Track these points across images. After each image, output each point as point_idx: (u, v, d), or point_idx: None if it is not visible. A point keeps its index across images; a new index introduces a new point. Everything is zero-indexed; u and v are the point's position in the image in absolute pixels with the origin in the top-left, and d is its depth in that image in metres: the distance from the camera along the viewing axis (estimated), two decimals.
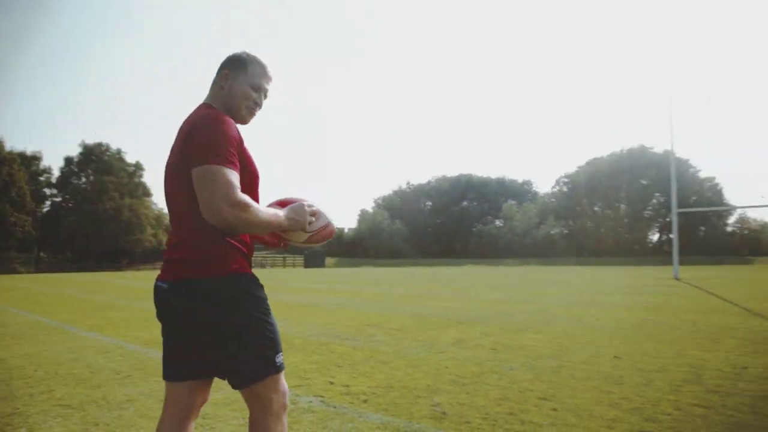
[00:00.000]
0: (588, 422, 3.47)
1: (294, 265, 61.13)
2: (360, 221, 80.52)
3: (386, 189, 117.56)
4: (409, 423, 3.52)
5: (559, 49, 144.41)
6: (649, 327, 7.80)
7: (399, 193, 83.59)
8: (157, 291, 1.90)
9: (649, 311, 9.88)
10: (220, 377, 1.93)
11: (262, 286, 1.94)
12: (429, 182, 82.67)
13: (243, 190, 1.77)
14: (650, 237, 68.26)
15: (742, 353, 5.79)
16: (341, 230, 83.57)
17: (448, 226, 75.55)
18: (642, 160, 64.15)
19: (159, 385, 4.56)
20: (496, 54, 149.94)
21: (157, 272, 2.12)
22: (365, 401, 4.06)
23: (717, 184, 64.41)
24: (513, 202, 72.36)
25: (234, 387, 1.89)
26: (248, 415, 1.94)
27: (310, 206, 2.07)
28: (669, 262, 37.87)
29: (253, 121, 2.10)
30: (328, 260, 66.90)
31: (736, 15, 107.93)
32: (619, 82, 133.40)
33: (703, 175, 64.81)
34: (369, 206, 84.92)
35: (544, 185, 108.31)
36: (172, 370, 1.96)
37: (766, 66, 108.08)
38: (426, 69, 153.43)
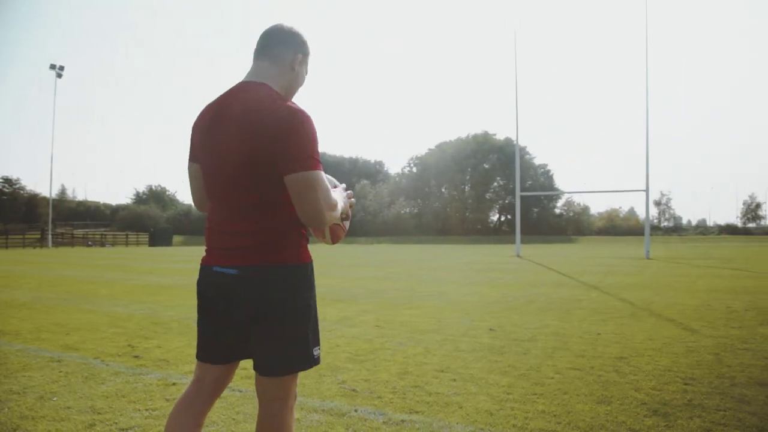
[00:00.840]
0: (488, 390, 3.79)
1: (138, 243, 57.51)
2: None
3: None
4: (323, 402, 3.59)
5: (413, 37, 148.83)
6: (510, 301, 8.54)
7: None
8: (219, 277, 1.82)
9: (506, 287, 10.77)
10: (255, 360, 1.86)
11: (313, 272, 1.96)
12: None
13: None
14: (491, 217, 73.54)
15: (593, 322, 6.58)
16: (189, 206, 79.93)
17: None
18: (485, 146, 68.77)
19: (31, 381, 4.15)
20: (351, 36, 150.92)
21: None
22: None
23: (549, 170, 70.97)
24: (366, 182, 73.88)
25: (266, 374, 1.82)
26: (262, 410, 1.86)
27: (347, 191, 2.11)
28: (507, 241, 41.27)
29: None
30: (175, 238, 63.78)
31: (577, 18, 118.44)
32: (467, 71, 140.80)
33: (537, 161, 70.94)
34: None
35: (396, 166, 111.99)
36: (212, 354, 1.93)
37: (592, 65, 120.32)
38: None
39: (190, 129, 1.94)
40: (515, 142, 26.78)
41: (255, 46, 1.92)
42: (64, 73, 48.04)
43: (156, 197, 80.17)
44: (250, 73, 1.89)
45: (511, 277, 12.95)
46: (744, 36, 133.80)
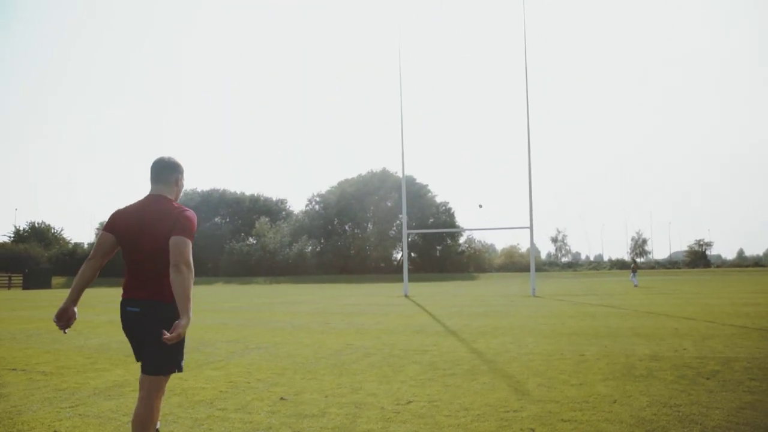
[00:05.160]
0: None
1: (11, 286, 51.84)
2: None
3: (130, 200, 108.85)
4: None
5: (313, 73, 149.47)
6: (346, 354, 7.37)
7: None
8: (129, 314, 3.05)
9: (357, 335, 9.61)
10: (145, 362, 3.01)
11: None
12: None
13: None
14: (395, 255, 72.87)
15: (417, 383, 5.50)
16: (76, 245, 74.11)
17: (198, 242, 71.01)
18: (387, 183, 68.42)
19: None
20: (250, 72, 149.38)
21: None
22: None
23: (450, 208, 71.61)
24: (266, 219, 71.48)
25: (150, 372, 2.97)
26: (141, 395, 2.94)
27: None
28: (410, 279, 40.50)
29: None
30: (57, 280, 58.53)
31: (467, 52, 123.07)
32: (368, 108, 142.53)
33: (439, 199, 71.55)
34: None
35: (300, 204, 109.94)
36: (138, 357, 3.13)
37: (490, 110, 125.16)
38: (182, 79, 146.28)
39: (112, 217, 3.15)
40: (401, 177, 26.19)
41: (150, 174, 3.22)
42: None
43: (38, 235, 73.69)
44: (153, 191, 3.20)
45: (375, 323, 11.82)
46: (634, 83, 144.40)
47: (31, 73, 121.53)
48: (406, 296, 23.44)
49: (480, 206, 25.24)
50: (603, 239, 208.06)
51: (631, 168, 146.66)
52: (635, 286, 30.46)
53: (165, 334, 2.73)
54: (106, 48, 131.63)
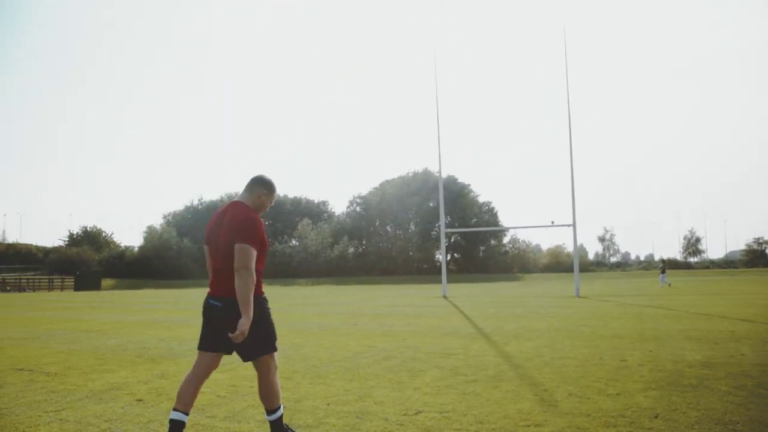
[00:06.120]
0: None
1: (63, 288, 53.49)
2: (146, 239, 74.09)
3: (178, 204, 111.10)
4: None
5: (352, 77, 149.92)
6: (364, 357, 6.90)
7: (191, 210, 78.54)
8: (212, 306, 3.36)
9: (383, 337, 9.11)
10: (240, 353, 3.35)
11: (267, 300, 3.47)
12: (222, 199, 78.29)
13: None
14: (437, 256, 72.03)
15: (431, 390, 4.97)
16: (125, 248, 76.06)
17: None
18: (428, 183, 67.66)
19: None
20: (290, 75, 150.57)
21: None
22: None
23: (493, 208, 70.41)
24: (308, 221, 71.65)
25: (255, 357, 3.38)
26: (258, 375, 3.46)
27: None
28: (452, 280, 39.85)
29: None
30: (107, 282, 60.05)
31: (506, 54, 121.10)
32: (409, 108, 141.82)
33: (481, 199, 70.43)
34: (158, 223, 78.48)
35: (342, 206, 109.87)
36: (208, 346, 3.39)
37: (532, 109, 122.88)
38: (220, 84, 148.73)
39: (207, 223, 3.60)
40: (438, 176, 25.51)
41: (247, 182, 3.57)
42: None
43: (90, 239, 75.89)
44: (239, 197, 3.52)
45: (405, 324, 11.29)
46: (683, 78, 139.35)
47: (54, 77, 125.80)
48: (444, 297, 22.83)
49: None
50: (654, 238, 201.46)
51: (683, 164, 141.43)
52: (668, 285, 29.80)
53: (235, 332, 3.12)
54: (106, 50, 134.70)
